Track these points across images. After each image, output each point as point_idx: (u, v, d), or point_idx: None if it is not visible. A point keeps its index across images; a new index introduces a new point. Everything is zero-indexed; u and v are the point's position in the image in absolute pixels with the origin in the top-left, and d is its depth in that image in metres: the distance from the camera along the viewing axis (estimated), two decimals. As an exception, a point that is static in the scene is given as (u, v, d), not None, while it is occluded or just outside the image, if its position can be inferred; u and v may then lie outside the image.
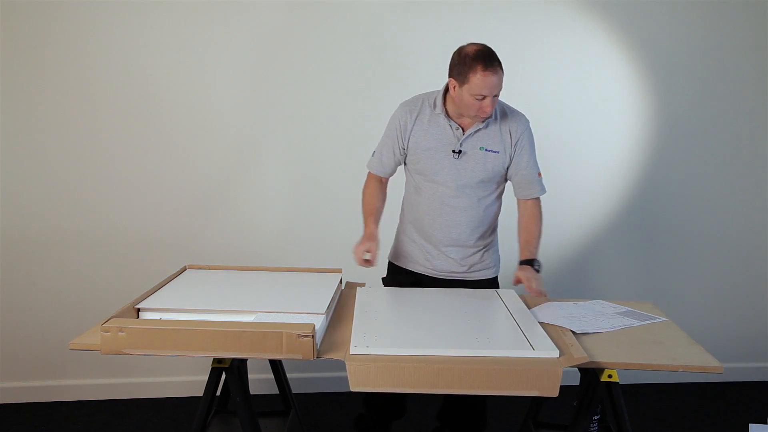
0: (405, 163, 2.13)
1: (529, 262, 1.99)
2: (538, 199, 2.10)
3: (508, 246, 2.22)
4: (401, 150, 2.07)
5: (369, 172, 2.17)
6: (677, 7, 2.89)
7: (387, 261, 2.26)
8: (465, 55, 1.86)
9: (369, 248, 1.95)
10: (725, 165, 3.06)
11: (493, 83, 1.83)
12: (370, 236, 2.01)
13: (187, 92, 2.72)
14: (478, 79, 1.82)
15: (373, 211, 2.09)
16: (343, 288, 2.08)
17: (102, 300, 2.73)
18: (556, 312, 1.82)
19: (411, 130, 2.03)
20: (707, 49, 2.95)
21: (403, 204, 2.21)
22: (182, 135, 2.76)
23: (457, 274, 2.12)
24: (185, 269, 2.09)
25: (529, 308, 1.85)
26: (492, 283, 2.17)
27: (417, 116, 2.03)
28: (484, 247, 2.13)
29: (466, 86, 1.85)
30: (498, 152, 2.01)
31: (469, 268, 2.12)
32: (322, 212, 2.88)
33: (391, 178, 2.20)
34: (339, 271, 2.10)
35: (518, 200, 2.12)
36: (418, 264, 2.14)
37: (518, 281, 1.93)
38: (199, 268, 2.12)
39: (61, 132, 2.68)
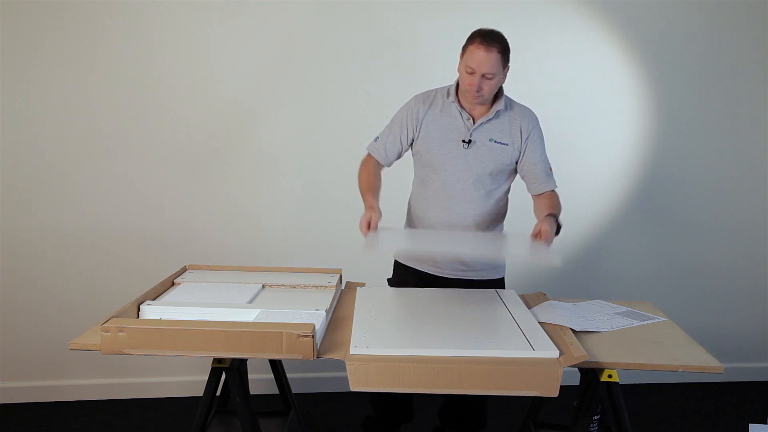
0: (413, 155, 2.12)
1: (554, 216, 1.91)
2: (553, 192, 2.08)
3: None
4: (408, 138, 2.07)
5: (368, 154, 2.13)
6: (678, 5, 2.89)
7: (393, 261, 2.25)
8: (474, 31, 1.93)
9: (371, 218, 1.84)
10: (725, 164, 3.06)
11: (482, 58, 1.86)
12: (371, 207, 1.90)
13: (188, 92, 2.72)
14: (472, 50, 1.88)
15: (371, 187, 2.00)
16: (343, 288, 2.08)
17: (102, 300, 2.73)
18: (556, 312, 1.83)
19: (423, 119, 2.04)
20: (708, 48, 2.95)
21: (410, 201, 2.20)
22: (182, 135, 2.75)
23: (462, 272, 2.10)
24: (185, 269, 2.09)
25: (529, 308, 1.85)
26: (498, 284, 2.16)
27: (430, 105, 2.05)
28: None
29: (463, 58, 1.92)
30: (506, 144, 2.02)
31: (474, 266, 2.10)
32: (322, 212, 2.88)
33: (395, 177, 2.17)
34: (339, 271, 2.10)
35: (534, 197, 2.10)
36: (423, 263, 2.13)
37: (538, 232, 1.82)
38: (199, 268, 2.12)
39: (60, 132, 2.67)
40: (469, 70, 1.88)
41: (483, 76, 1.88)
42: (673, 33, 2.92)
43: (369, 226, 1.82)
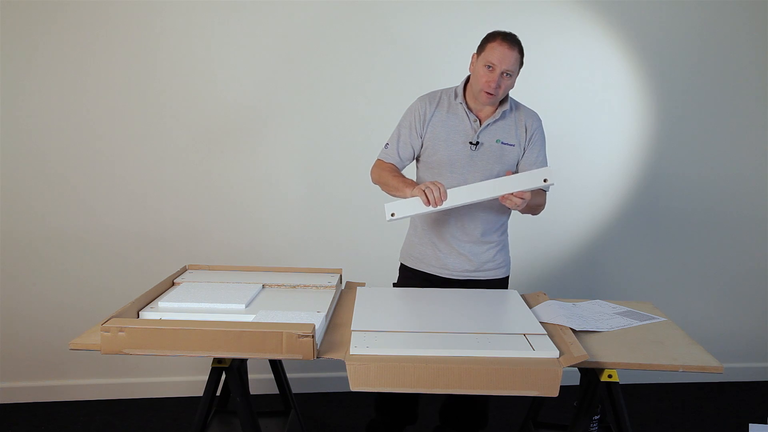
0: (419, 157, 2.11)
1: None
2: (544, 192, 2.08)
3: (513, 247, 2.22)
4: (418, 139, 2.06)
5: (380, 161, 2.11)
6: (678, 5, 2.89)
7: (398, 264, 2.25)
8: (491, 32, 1.95)
9: (439, 186, 1.83)
10: (725, 164, 3.07)
11: (506, 54, 1.88)
12: (425, 183, 1.88)
13: (189, 92, 2.72)
14: (494, 46, 1.89)
15: (403, 178, 1.99)
16: (343, 288, 2.08)
17: (102, 300, 2.73)
18: (556, 311, 1.82)
19: (430, 120, 2.04)
20: (707, 46, 2.95)
21: None
22: (183, 135, 2.75)
23: (469, 273, 2.10)
24: (185, 269, 2.09)
25: (529, 308, 1.85)
26: (502, 283, 2.17)
27: (436, 106, 2.05)
28: (496, 245, 2.13)
29: (482, 55, 1.92)
30: (513, 145, 2.03)
31: (481, 266, 2.11)
32: (322, 212, 2.88)
33: None
34: (339, 271, 2.10)
35: None
36: (430, 265, 2.13)
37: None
38: (200, 269, 2.12)
39: (61, 132, 2.67)
40: (490, 66, 1.89)
41: (502, 73, 1.89)
42: (673, 33, 2.92)
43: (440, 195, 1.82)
